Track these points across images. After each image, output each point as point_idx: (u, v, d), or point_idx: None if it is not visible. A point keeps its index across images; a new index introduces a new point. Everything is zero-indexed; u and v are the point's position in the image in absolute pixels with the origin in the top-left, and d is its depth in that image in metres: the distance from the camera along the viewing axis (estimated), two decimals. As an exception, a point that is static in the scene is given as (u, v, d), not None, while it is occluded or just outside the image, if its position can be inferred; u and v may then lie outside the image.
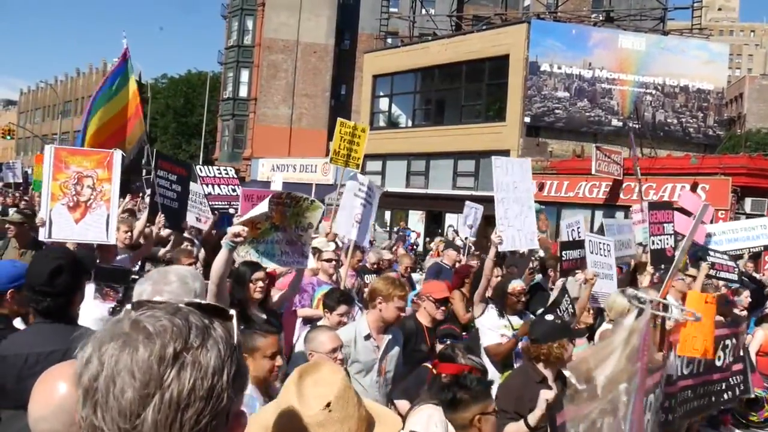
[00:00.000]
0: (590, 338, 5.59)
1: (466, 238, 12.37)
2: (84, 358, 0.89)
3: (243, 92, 40.49)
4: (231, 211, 7.90)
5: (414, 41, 27.24)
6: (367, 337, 4.17)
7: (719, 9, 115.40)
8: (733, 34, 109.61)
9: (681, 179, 16.79)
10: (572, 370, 2.39)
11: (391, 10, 31.55)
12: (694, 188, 16.25)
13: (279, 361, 3.10)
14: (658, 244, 7.70)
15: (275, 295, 4.74)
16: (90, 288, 3.90)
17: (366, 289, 6.96)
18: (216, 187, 8.16)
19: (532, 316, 5.47)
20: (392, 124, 27.31)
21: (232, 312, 1.00)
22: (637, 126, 20.98)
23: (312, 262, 4.73)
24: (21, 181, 18.09)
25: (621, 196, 18.42)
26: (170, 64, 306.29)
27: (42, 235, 5.52)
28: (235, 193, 8.11)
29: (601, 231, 8.36)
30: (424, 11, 29.05)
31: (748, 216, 14.30)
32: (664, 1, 26.61)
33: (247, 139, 39.68)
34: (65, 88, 67.14)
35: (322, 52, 39.74)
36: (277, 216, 4.07)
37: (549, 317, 4.49)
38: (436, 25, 28.06)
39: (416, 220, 24.47)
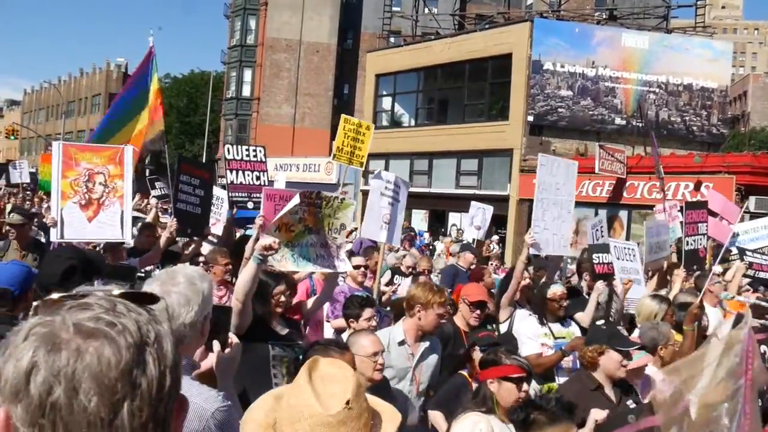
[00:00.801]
0: None
1: (473, 240, 12.30)
2: (22, 370, 0.80)
3: (246, 92, 40.56)
4: (249, 205, 7.48)
5: (417, 40, 27.21)
6: (401, 344, 4.03)
7: (723, 7, 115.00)
8: (737, 32, 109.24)
9: (684, 178, 16.75)
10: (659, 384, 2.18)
11: (394, 9, 31.51)
12: (697, 187, 16.20)
13: None
14: (692, 244, 7.28)
15: (309, 302, 4.50)
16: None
17: (384, 289, 6.65)
18: (241, 173, 7.55)
19: (574, 323, 5.23)
20: (395, 123, 27.31)
21: (162, 296, 1.00)
22: (640, 124, 20.94)
23: (348, 266, 4.55)
24: (28, 181, 17.96)
25: (624, 194, 18.38)
26: (173, 63, 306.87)
27: (53, 236, 5.29)
28: (258, 182, 7.58)
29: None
30: (426, 10, 29.01)
31: (753, 215, 14.25)
32: (667, -1, 26.56)
33: (250, 139, 39.70)
34: (69, 88, 67.31)
35: (325, 51, 39.77)
36: (310, 218, 3.92)
37: (599, 322, 4.36)
38: (438, 24, 28.04)
39: (419, 220, 24.46)
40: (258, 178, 7.62)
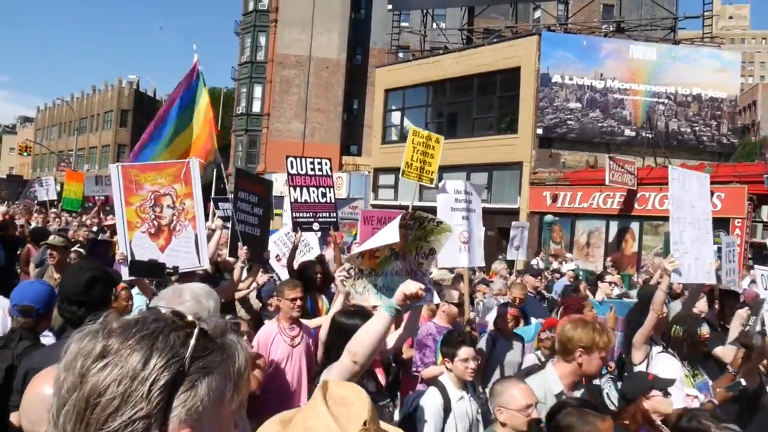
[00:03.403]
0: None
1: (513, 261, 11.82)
2: None
3: (256, 108, 40.90)
4: (315, 227, 6.73)
5: (425, 55, 27.39)
6: (559, 396, 3.39)
7: (730, 17, 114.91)
8: (745, 42, 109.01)
9: (696, 188, 16.68)
10: None
11: (402, 24, 31.76)
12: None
13: None
14: None
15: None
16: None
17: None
18: (305, 190, 6.71)
19: (729, 359, 4.60)
20: (404, 137, 27.28)
21: (193, 320, 0.98)
22: (650, 136, 20.93)
23: (436, 297, 3.94)
24: (55, 198, 17.52)
25: (636, 206, 18.36)
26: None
27: (125, 274, 4.51)
28: (324, 200, 6.79)
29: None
30: (434, 25, 29.23)
31: (765, 224, 14.16)
32: (674, 10, 26.63)
33: (261, 154, 39.98)
34: (81, 105, 68.11)
35: (334, 67, 40.08)
36: (400, 241, 3.30)
37: None
38: (447, 39, 28.22)
39: (430, 233, 24.47)
40: (324, 195, 6.81)
